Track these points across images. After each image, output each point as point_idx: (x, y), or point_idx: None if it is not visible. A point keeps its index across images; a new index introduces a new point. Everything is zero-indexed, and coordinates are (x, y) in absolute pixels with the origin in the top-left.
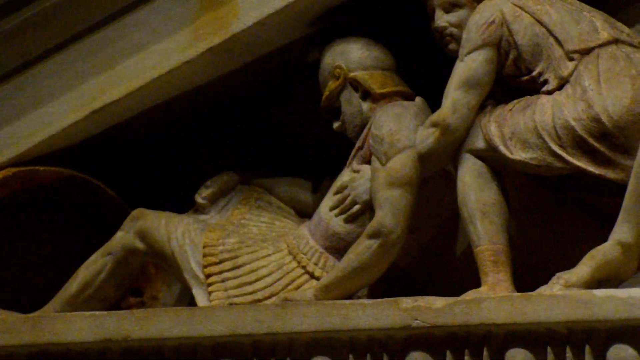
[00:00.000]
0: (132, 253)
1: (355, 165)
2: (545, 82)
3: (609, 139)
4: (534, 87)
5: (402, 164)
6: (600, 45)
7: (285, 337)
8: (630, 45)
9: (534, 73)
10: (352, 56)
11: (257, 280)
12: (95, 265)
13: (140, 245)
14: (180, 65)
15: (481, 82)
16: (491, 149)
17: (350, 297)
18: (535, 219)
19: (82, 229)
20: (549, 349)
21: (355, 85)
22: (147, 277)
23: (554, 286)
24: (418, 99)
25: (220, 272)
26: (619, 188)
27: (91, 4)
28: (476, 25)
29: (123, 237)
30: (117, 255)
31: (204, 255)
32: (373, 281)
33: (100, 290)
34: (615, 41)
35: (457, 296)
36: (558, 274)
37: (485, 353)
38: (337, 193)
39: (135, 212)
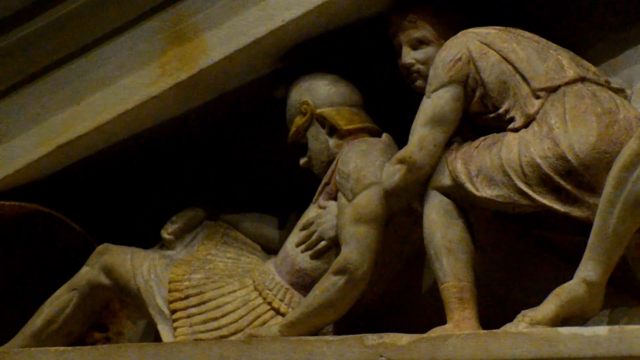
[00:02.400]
0: (98, 288)
1: (321, 201)
2: (512, 119)
3: (574, 176)
4: (501, 125)
5: (368, 200)
6: (567, 84)
7: None
8: (596, 83)
9: (501, 110)
10: (319, 92)
11: (222, 316)
12: (60, 301)
13: (105, 280)
14: (147, 100)
15: (448, 119)
16: (457, 186)
17: (315, 333)
18: (501, 256)
19: (47, 263)
20: None
21: (322, 121)
22: (112, 312)
23: (519, 324)
24: (385, 136)
25: (186, 308)
26: (585, 226)
27: (57, 39)
28: (443, 62)
29: (88, 273)
30: (82, 290)
31: (170, 291)
32: (339, 317)
33: (65, 326)
34: (582, 79)
35: (423, 333)
36: (523, 312)
37: None
38: (303, 229)
39: (101, 247)
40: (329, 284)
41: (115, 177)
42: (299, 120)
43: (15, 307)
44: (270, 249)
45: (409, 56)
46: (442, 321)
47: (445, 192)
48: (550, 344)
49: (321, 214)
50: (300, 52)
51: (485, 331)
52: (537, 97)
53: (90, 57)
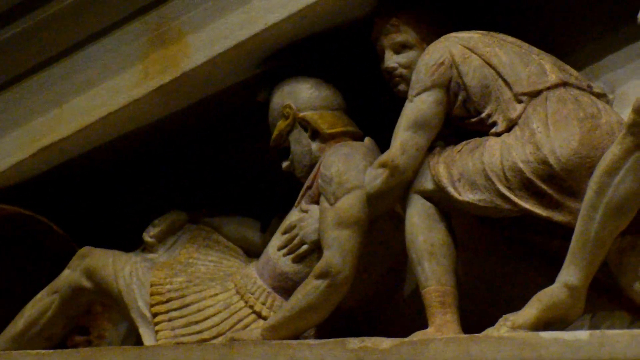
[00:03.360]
0: (79, 291)
1: (303, 205)
2: (494, 123)
3: (556, 181)
4: (483, 129)
5: (350, 204)
6: (549, 88)
7: None
8: (579, 88)
9: (483, 115)
10: (302, 96)
11: (204, 319)
12: (41, 304)
13: (87, 283)
14: (130, 103)
15: (430, 123)
16: (439, 190)
17: (297, 337)
18: (483, 260)
19: (28, 266)
20: None
21: (305, 125)
22: (94, 315)
23: (500, 328)
24: (367, 140)
25: (167, 311)
26: (567, 230)
27: (40, 42)
28: (425, 66)
29: (70, 275)
30: (64, 293)
31: (151, 294)
32: (320, 321)
33: (47, 329)
34: (564, 84)
35: (404, 337)
36: (505, 316)
37: None
38: (285, 233)
39: (83, 250)
40: (310, 288)
41: (97, 180)
42: (281, 124)
43: None
44: (252, 253)
45: (391, 60)
46: (424, 325)
47: (427, 196)
48: (531, 348)
49: (303, 217)
50: (283, 55)
51: (466, 335)
52: (520, 102)
53: (73, 60)
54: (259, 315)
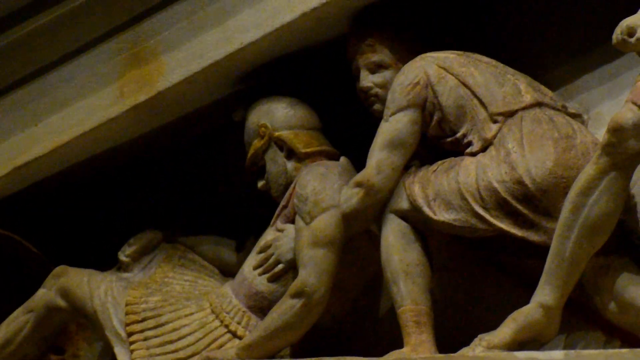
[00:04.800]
0: (54, 311)
1: (279, 224)
2: (469, 143)
3: (531, 201)
4: (458, 149)
5: (326, 223)
6: (524, 108)
7: None
8: (553, 108)
9: (458, 134)
10: (277, 115)
11: (179, 338)
12: (16, 323)
13: (62, 303)
14: (105, 122)
15: (405, 143)
16: (415, 209)
17: (273, 356)
18: (458, 279)
19: (3, 285)
20: None
21: (280, 144)
22: (69, 335)
23: (476, 347)
24: (342, 159)
25: (143, 331)
26: (542, 250)
27: (16, 60)
28: (401, 86)
29: (45, 295)
30: (39, 312)
31: (127, 313)
32: (296, 340)
33: (21, 348)
34: (539, 104)
35: (380, 356)
36: (480, 336)
37: None
38: (260, 252)
39: (58, 270)
40: (286, 307)
41: (72, 199)
42: (257, 143)
43: None
44: (228, 272)
45: (367, 80)
46: (400, 345)
47: (402, 215)
48: None
49: (279, 237)
50: (259, 74)
51: (442, 355)
52: (495, 122)
53: (48, 79)
54: (234, 335)
